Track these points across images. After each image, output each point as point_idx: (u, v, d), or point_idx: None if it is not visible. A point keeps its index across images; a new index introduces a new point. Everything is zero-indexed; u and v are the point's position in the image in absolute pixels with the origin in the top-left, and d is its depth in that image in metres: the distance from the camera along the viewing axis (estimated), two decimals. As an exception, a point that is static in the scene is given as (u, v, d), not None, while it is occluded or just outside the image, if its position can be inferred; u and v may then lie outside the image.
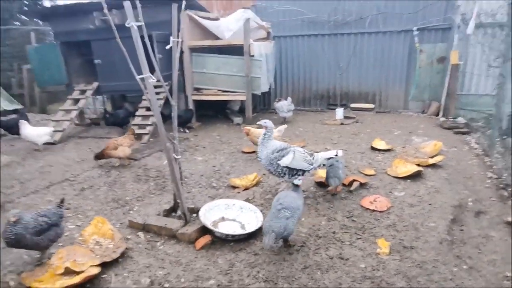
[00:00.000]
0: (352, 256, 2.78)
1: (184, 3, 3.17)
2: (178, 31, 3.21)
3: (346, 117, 7.68)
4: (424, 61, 7.84)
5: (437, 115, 7.54)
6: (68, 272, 2.45)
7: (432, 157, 4.73)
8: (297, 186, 3.01)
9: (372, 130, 6.69)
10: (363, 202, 3.63)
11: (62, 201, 2.97)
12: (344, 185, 4.07)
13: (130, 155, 5.21)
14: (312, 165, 3.65)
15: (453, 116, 7.01)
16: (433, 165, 4.53)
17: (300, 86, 9.37)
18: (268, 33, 8.57)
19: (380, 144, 5.46)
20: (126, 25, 2.89)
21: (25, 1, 14.19)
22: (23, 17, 13.62)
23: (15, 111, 10.33)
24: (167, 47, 3.26)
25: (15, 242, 2.46)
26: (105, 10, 3.00)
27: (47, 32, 12.95)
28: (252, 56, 7.08)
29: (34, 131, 6.11)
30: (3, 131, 7.32)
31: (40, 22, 12.77)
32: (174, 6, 3.18)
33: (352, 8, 8.28)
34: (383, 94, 8.67)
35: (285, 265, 2.69)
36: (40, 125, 7.82)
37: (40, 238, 2.61)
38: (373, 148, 5.41)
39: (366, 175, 4.39)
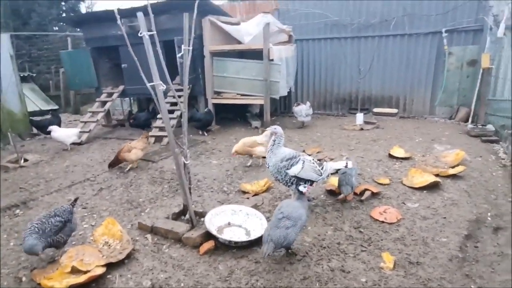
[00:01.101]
0: (354, 269, 2.72)
1: (195, 11, 3.21)
2: (190, 39, 3.30)
3: (366, 122, 7.49)
4: (453, 64, 7.46)
5: (466, 121, 7.16)
6: (75, 271, 2.59)
7: (453, 167, 4.50)
8: (301, 193, 2.98)
9: (392, 137, 6.48)
10: (373, 213, 3.53)
11: (75, 200, 3.17)
12: (355, 194, 3.98)
13: (144, 156, 5.37)
14: (321, 175, 3.59)
15: (483, 122, 6.63)
16: (453, 176, 4.31)
17: (321, 90, 9.25)
18: (290, 36, 8.55)
19: (399, 151, 5.28)
20: (139, 35, 3.03)
21: (63, 7, 15.08)
22: (61, 23, 14.46)
23: (51, 111, 11.05)
24: (178, 55, 3.36)
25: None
26: (118, 22, 3.13)
27: (82, 37, 13.72)
28: (272, 60, 7.08)
29: (63, 132, 6.49)
30: (35, 131, 7.83)
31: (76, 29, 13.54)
32: (186, 15, 3.28)
33: (377, 10, 8.06)
34: (407, 98, 8.37)
35: (284, 275, 2.68)
36: (73, 126, 8.32)
37: (60, 236, 2.83)
38: (390, 156, 5.23)
39: (379, 184, 4.26)
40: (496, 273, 2.67)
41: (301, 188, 3.00)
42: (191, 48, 3.29)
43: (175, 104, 7.19)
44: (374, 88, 8.61)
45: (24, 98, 7.87)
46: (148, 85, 3.07)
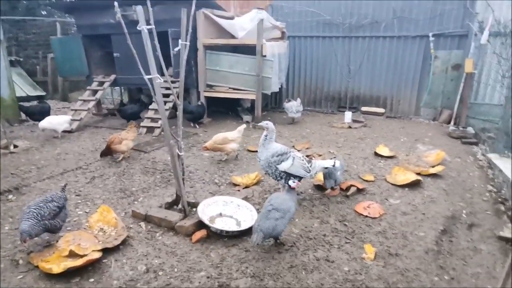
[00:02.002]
0: (338, 259, 2.91)
1: (194, 3, 3.29)
2: (187, 34, 3.39)
3: (354, 121, 7.71)
4: (439, 67, 7.74)
5: (449, 123, 7.47)
6: (72, 254, 2.69)
7: (433, 166, 4.75)
8: (291, 187, 3.14)
9: (379, 136, 6.72)
10: (357, 208, 3.73)
11: (65, 185, 3.28)
12: (342, 189, 4.18)
13: (136, 146, 5.42)
14: (309, 172, 3.75)
15: (464, 125, 6.95)
16: (433, 175, 4.56)
17: (312, 87, 9.42)
18: (283, 33, 8.65)
19: (384, 150, 5.51)
20: (138, 28, 3.10)
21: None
22: (50, 8, 14.13)
23: (38, 97, 10.87)
24: (175, 49, 3.43)
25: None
26: (117, 10, 3.16)
27: (72, 23, 13.45)
28: (264, 56, 7.19)
29: (55, 119, 6.46)
30: (24, 117, 7.74)
31: (66, 14, 13.27)
32: (184, 11, 3.36)
33: (368, 12, 8.25)
34: (394, 99, 8.63)
35: (272, 263, 2.85)
36: (61, 113, 8.25)
37: (56, 221, 2.91)
38: (376, 154, 5.46)
39: (365, 180, 4.47)
40: (468, 266, 2.90)
41: (290, 182, 3.16)
42: (188, 43, 3.37)
43: (167, 96, 7.22)
44: (363, 87, 8.84)
45: (13, 84, 7.75)
46: (146, 77, 3.14)
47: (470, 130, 6.67)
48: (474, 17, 7.06)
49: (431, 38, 7.71)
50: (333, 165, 3.82)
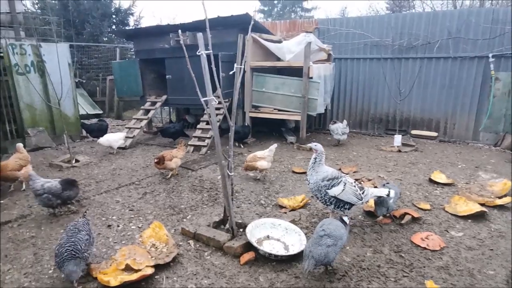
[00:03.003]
0: (396, 294, 2.70)
1: (250, 29, 3.39)
2: (242, 58, 3.50)
3: (404, 144, 7.35)
4: (500, 90, 7.22)
5: (513, 149, 6.85)
6: (128, 268, 2.78)
7: (500, 197, 4.33)
8: (344, 222, 3.00)
9: (432, 161, 6.32)
10: (414, 238, 3.48)
11: (85, 211, 3.39)
12: (394, 217, 3.94)
13: (184, 164, 5.60)
14: (361, 200, 3.58)
15: (531, 152, 6.33)
16: (500, 206, 4.15)
17: (357, 109, 9.21)
18: (329, 55, 8.65)
19: (440, 177, 5.15)
20: (197, 53, 3.25)
21: (113, 20, 16.17)
22: (111, 34, 15.49)
23: (96, 116, 11.79)
24: (230, 73, 3.55)
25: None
26: (181, 35, 3.38)
27: (129, 49, 14.62)
28: (311, 78, 7.20)
29: (111, 137, 6.92)
30: (84, 133, 8.40)
31: (124, 40, 14.47)
32: (241, 37, 3.49)
33: (420, 33, 8.00)
34: (449, 122, 8.13)
35: (324, 292, 2.71)
36: (116, 130, 8.84)
37: (90, 249, 2.89)
38: (431, 181, 5.12)
39: (420, 209, 4.18)
40: (550, 313, 2.55)
41: (345, 219, 3.03)
42: (243, 66, 3.47)
43: (219, 114, 7.44)
44: (413, 109, 8.46)
45: (77, 103, 8.49)
46: (202, 99, 3.25)
47: (540, 158, 6.05)
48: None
49: (491, 59, 7.25)
50: (388, 195, 3.61)
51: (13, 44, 7.13)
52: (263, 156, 5.27)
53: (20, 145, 5.09)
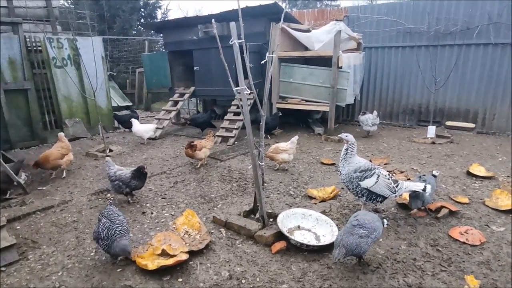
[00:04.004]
0: (434, 288, 2.62)
1: (282, 19, 3.34)
2: (274, 49, 3.46)
3: (438, 136, 7.05)
4: (546, 78, 6.73)
5: (559, 142, 6.40)
6: (164, 254, 2.87)
7: (546, 191, 4.07)
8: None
9: (469, 153, 6.02)
10: (452, 232, 3.35)
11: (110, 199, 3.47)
12: (430, 210, 3.80)
13: (212, 155, 5.66)
14: (394, 193, 3.48)
15: None
16: (546, 201, 3.90)
17: (388, 99, 8.91)
18: (359, 44, 8.39)
19: (479, 169, 4.90)
20: (230, 42, 3.25)
21: (142, 14, 16.51)
22: (140, 27, 15.84)
23: (126, 107, 12.17)
24: (262, 62, 3.53)
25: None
26: (214, 24, 3.38)
27: (157, 41, 14.91)
28: (340, 67, 7.03)
29: (142, 127, 7.13)
30: (116, 124, 8.70)
31: (152, 32, 14.75)
32: (273, 25, 3.44)
33: (458, 18, 7.56)
34: (488, 113, 7.69)
35: (358, 283, 2.68)
36: (145, 122, 9.08)
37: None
38: (469, 174, 4.89)
39: (457, 202, 4.01)
40: None
41: (385, 222, 2.93)
42: (275, 55, 3.44)
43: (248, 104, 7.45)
44: (449, 100, 8.07)
45: (110, 95, 8.79)
46: (234, 89, 3.26)
47: None
48: None
49: (536, 45, 6.75)
50: (424, 189, 3.47)
51: (50, 38, 7.44)
52: (286, 149, 5.25)
53: (61, 134, 5.37)
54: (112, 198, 3.32)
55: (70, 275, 2.87)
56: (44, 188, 4.79)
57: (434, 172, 3.94)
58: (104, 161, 4.29)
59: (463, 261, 2.93)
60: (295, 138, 5.38)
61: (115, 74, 13.86)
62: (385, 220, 2.92)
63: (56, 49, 7.49)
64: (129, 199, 4.21)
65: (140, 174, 4.09)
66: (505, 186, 4.25)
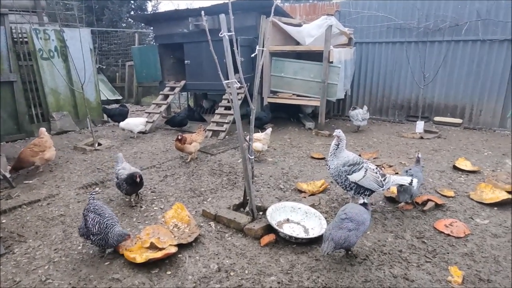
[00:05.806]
0: (419, 278, 2.68)
1: (272, 12, 3.33)
2: (264, 42, 3.45)
3: (427, 131, 7.16)
4: (531, 74, 6.86)
5: (543, 137, 6.56)
6: (152, 247, 2.86)
7: (528, 185, 4.17)
8: (365, 205, 2.97)
9: (456, 148, 6.13)
10: (437, 225, 3.42)
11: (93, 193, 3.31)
12: (416, 203, 3.87)
13: (203, 149, 5.67)
14: (382, 187, 3.53)
15: None
16: (528, 195, 4.00)
17: (378, 95, 8.99)
18: (350, 39, 8.42)
19: (465, 164, 5.00)
20: (220, 35, 3.23)
21: (132, 6, 16.24)
22: (130, 20, 15.57)
23: (116, 101, 12.01)
24: (252, 55, 3.51)
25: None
26: (204, 17, 3.35)
27: (147, 34, 14.69)
28: (331, 62, 7.05)
29: (132, 121, 7.05)
30: (106, 118, 8.58)
31: (142, 25, 14.51)
32: (263, 18, 3.43)
33: (447, 14, 7.64)
34: (475, 108, 7.82)
35: (345, 275, 2.72)
36: (135, 115, 8.99)
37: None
38: (455, 168, 4.98)
39: (443, 196, 4.09)
40: None
41: (365, 200, 2.99)
42: (265, 49, 3.43)
43: (239, 99, 7.43)
44: (437, 95, 8.18)
45: (99, 88, 8.65)
46: (224, 82, 3.24)
47: None
48: None
49: (523, 42, 6.88)
50: (411, 183, 3.53)
51: (37, 29, 7.27)
52: (259, 138, 5.39)
53: (43, 129, 5.22)
54: (95, 192, 3.23)
55: (57, 268, 2.84)
56: (31, 182, 4.72)
57: (419, 154, 4.03)
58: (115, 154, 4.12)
59: (448, 253, 3.00)
60: (269, 130, 5.63)
61: (104, 67, 13.64)
62: (365, 199, 3.02)
63: (43, 40, 7.32)
64: (131, 199, 4.07)
65: (131, 181, 3.84)
66: (490, 180, 4.34)
